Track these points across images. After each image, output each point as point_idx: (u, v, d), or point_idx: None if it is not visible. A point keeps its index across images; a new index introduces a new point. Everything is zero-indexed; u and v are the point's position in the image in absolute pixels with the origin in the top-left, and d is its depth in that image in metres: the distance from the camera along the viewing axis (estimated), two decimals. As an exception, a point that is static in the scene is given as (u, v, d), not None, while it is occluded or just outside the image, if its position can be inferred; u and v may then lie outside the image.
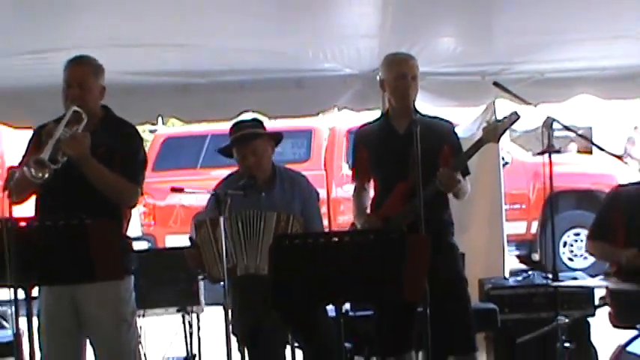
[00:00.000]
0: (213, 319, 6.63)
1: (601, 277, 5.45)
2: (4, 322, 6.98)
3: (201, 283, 6.32)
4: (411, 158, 5.25)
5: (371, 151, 5.84)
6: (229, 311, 5.04)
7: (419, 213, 5.15)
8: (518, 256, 13.17)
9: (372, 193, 5.95)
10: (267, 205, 5.41)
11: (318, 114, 7.43)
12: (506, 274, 7.37)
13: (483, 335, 7.01)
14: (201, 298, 6.40)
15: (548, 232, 12.27)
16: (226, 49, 6.70)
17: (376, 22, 6.23)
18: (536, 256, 12.72)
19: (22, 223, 4.45)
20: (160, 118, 7.51)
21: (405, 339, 5.83)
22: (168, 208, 12.61)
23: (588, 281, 5.55)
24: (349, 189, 6.15)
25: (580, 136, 7.85)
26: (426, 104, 6.75)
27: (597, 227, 6.19)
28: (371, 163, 5.85)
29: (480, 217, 7.35)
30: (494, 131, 5.53)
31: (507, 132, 7.16)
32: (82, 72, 5.21)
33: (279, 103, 7.21)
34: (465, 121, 7.74)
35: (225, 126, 6.14)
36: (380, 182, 5.87)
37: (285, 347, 5.71)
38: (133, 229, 12.64)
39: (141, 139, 5.47)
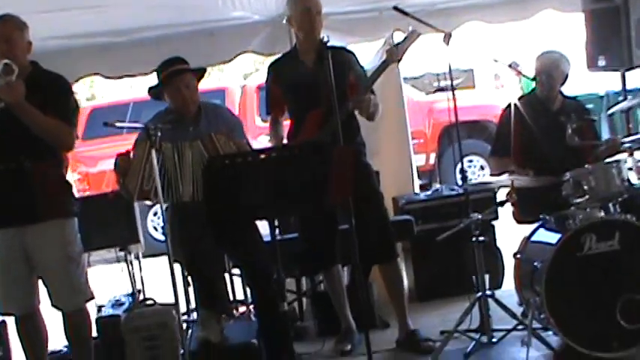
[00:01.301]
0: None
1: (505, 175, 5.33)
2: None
3: (140, 225, 6.08)
4: (321, 87, 5.12)
5: (282, 86, 5.68)
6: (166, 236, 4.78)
7: (335, 132, 5.00)
8: (421, 186, 13.05)
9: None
10: (194, 138, 5.14)
11: (229, 61, 7.15)
12: (417, 191, 7.22)
13: (401, 246, 6.93)
14: (140, 237, 6.14)
15: (445, 161, 12.59)
16: (140, 7, 6.45)
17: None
18: (436, 185, 12.71)
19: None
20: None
21: (330, 253, 5.71)
22: (99, 174, 12.15)
23: (491, 179, 5.43)
24: (264, 140, 5.96)
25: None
26: (330, 42, 6.54)
27: (496, 144, 6.17)
28: (283, 96, 5.69)
29: (389, 140, 7.21)
30: (396, 51, 5.37)
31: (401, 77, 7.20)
32: (7, 28, 4.94)
33: (194, 54, 6.78)
34: (368, 56, 7.57)
35: (143, 94, 5.84)
36: (293, 114, 5.73)
37: (224, 272, 5.52)
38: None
39: (70, 87, 5.18)
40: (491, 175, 5.85)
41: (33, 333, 5.26)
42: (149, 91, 5.38)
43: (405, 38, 5.40)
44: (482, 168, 12.65)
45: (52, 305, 5.16)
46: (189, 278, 5.31)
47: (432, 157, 12.90)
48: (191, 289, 5.60)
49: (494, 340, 5.36)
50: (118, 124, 5.06)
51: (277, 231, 6.02)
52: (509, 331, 5.35)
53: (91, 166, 12.34)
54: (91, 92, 18.13)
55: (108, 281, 6.82)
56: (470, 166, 12.83)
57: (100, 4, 6.27)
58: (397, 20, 6.07)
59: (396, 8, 5.51)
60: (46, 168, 4.33)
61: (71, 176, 11.64)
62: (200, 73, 5.41)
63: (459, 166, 12.38)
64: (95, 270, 6.05)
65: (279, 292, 4.38)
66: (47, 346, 5.42)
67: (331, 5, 6.62)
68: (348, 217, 5.03)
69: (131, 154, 5.04)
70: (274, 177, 4.20)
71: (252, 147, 5.32)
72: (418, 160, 12.35)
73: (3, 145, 4.81)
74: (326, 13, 6.17)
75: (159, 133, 4.66)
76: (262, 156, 4.28)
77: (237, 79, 12.94)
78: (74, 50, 6.76)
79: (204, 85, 12.59)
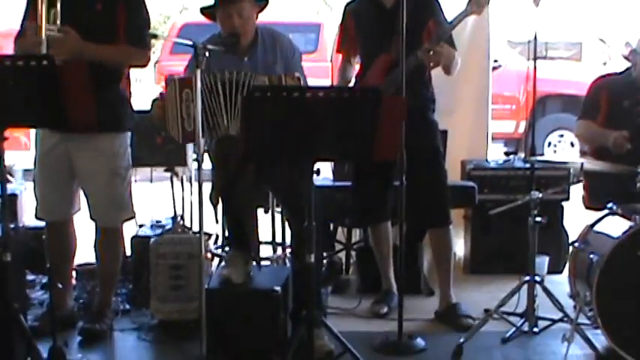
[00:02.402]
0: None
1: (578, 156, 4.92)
2: (9, 176, 6.46)
3: (189, 147, 5.76)
4: (396, 31, 4.71)
5: (357, 24, 5.31)
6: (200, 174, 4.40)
7: (400, 83, 4.61)
8: (506, 153, 12.63)
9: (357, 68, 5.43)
10: (249, 69, 4.76)
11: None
12: (489, 158, 6.78)
13: (462, 214, 6.57)
14: (189, 161, 5.85)
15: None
16: None
17: None
18: (521, 154, 12.26)
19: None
20: None
21: (380, 208, 5.36)
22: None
23: (563, 158, 4.99)
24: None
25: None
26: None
27: (586, 107, 5.73)
28: (356, 36, 5.33)
29: (468, 100, 6.75)
30: (478, 1, 4.92)
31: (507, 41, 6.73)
32: None
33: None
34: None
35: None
36: (364, 56, 5.35)
37: (257, 207, 5.18)
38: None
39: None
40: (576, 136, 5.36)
41: (60, 242, 5.08)
42: (201, 11, 5.03)
43: None
44: (572, 145, 12.13)
45: (90, 218, 4.95)
46: (222, 215, 4.98)
47: (522, 125, 12.44)
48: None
49: (536, 329, 4.93)
50: (161, 36, 4.71)
51: (315, 176, 5.94)
52: (553, 322, 4.93)
53: (177, 81, 12.07)
54: (182, 3, 17.84)
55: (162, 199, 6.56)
56: (560, 141, 12.39)
57: None
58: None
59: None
60: (80, 69, 4.00)
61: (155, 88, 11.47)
62: (261, 4, 4.95)
63: (546, 140, 12.35)
64: (139, 187, 5.78)
65: (307, 242, 4.02)
66: (73, 258, 5.24)
67: None
68: (399, 174, 4.70)
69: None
70: (317, 119, 3.84)
71: (307, 81, 4.93)
72: (507, 127, 12.17)
73: None
74: None
75: (206, 54, 4.27)
76: (308, 94, 3.90)
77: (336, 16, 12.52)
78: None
79: (299, 17, 12.45)
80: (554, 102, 12.29)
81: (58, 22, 4.46)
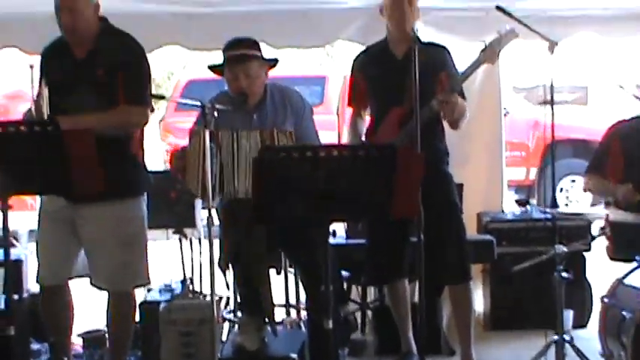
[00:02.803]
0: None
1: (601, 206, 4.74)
2: (14, 241, 6.28)
3: (198, 207, 5.60)
4: (408, 84, 4.58)
5: (367, 76, 5.17)
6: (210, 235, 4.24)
7: (415, 136, 4.45)
8: (517, 201, 12.46)
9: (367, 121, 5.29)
10: (258, 127, 4.62)
11: (320, 46, 6.64)
12: (505, 209, 6.60)
13: (480, 268, 6.36)
14: (198, 222, 5.67)
15: (545, 178, 11.79)
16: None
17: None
18: (533, 201, 12.09)
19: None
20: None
21: (397, 266, 5.19)
22: (187, 148, 11.95)
23: (587, 210, 4.82)
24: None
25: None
26: (429, 39, 5.99)
27: (595, 161, 5.62)
28: (367, 89, 5.18)
29: (481, 151, 6.60)
30: (491, 50, 4.80)
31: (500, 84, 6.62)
32: None
33: (284, 34, 6.40)
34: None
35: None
36: (375, 108, 5.21)
37: (269, 268, 5.00)
38: (158, 164, 12.15)
39: (142, 51, 4.72)
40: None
41: (56, 310, 4.86)
42: (209, 68, 4.90)
43: (500, 37, 4.82)
44: (585, 190, 11.92)
45: (92, 284, 4.75)
46: (233, 280, 4.81)
47: (533, 172, 12.27)
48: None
49: (566, 392, 4.73)
50: (169, 98, 4.57)
51: (344, 233, 5.78)
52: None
53: (180, 138, 11.94)
54: (185, 61, 17.77)
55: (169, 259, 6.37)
56: (572, 187, 12.21)
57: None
58: (503, 23, 5.43)
59: (498, 8, 4.89)
60: (85, 135, 3.86)
61: (162, 147, 11.36)
62: (270, 63, 4.85)
63: (558, 186, 12.17)
64: (161, 246, 5.64)
65: (324, 307, 3.83)
66: (71, 324, 5.01)
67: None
68: (417, 229, 4.52)
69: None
70: (332, 177, 3.67)
71: (319, 139, 4.78)
72: (517, 174, 12.01)
73: (74, 100, 4.45)
74: (426, 7, 5.79)
75: (215, 114, 4.12)
76: (322, 153, 3.73)
77: (340, 67, 12.46)
78: (154, 17, 6.27)
79: (303, 71, 12.33)
80: (565, 147, 12.11)
81: None
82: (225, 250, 4.58)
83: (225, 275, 4.65)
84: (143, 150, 4.80)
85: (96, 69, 4.53)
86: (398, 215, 3.91)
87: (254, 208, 3.76)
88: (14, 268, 5.39)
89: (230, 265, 4.60)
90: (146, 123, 4.73)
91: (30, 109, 4.50)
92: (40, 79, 4.57)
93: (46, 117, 4.32)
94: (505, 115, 10.80)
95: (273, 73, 4.95)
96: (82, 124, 4.28)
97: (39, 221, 4.77)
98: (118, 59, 4.56)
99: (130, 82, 4.57)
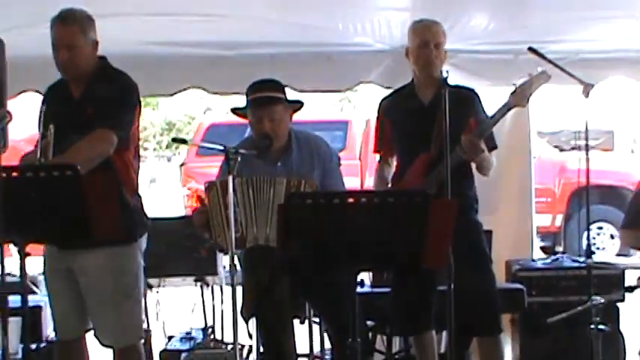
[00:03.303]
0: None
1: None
2: (33, 287, 6.14)
3: (220, 254, 5.46)
4: (435, 129, 4.48)
5: (394, 122, 5.03)
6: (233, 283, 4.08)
7: (444, 181, 4.29)
8: (542, 248, 12.29)
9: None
10: (283, 176, 4.50)
11: (346, 90, 6.53)
12: (535, 257, 6.43)
13: (509, 317, 6.16)
14: (220, 269, 5.54)
15: (572, 225, 11.65)
16: (254, 21, 5.85)
17: (408, -6, 5.50)
18: (559, 248, 11.89)
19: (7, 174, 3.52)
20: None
21: (423, 316, 4.99)
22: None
23: (622, 260, 4.64)
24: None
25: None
26: (457, 82, 5.88)
27: (631, 216, 5.33)
28: (394, 135, 5.04)
29: (510, 197, 6.49)
30: (521, 93, 4.65)
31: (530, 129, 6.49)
32: (68, 32, 4.28)
33: (308, 77, 6.33)
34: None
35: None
36: (402, 155, 5.06)
37: (293, 318, 4.84)
38: (179, 209, 12.02)
39: (133, 88, 4.44)
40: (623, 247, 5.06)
41: None
42: (232, 111, 4.78)
43: (532, 79, 4.67)
44: (612, 237, 11.76)
45: (101, 344, 4.51)
46: (255, 329, 4.64)
47: (559, 218, 12.08)
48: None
49: None
50: (190, 142, 4.45)
51: (370, 282, 5.61)
52: None
53: (201, 183, 11.86)
54: (206, 104, 17.76)
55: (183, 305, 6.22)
56: (599, 234, 12.05)
57: (211, 13, 5.71)
58: (533, 66, 5.30)
59: (531, 49, 4.77)
60: (104, 179, 3.72)
61: (181, 191, 11.20)
62: (295, 106, 4.74)
63: (585, 234, 11.98)
64: (169, 292, 5.49)
65: (351, 359, 3.68)
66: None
67: (461, 42, 6.04)
68: (448, 279, 4.34)
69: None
70: (360, 226, 3.54)
71: (344, 186, 4.65)
72: (543, 221, 11.79)
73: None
74: (454, 50, 5.76)
75: (238, 158, 3.99)
76: (350, 200, 3.59)
77: (363, 111, 12.39)
78: (177, 60, 6.23)
79: (325, 115, 12.19)
80: (592, 193, 11.90)
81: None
82: (247, 298, 4.43)
83: (247, 324, 4.49)
84: (138, 193, 4.53)
85: (87, 108, 4.31)
86: (429, 265, 3.78)
87: (278, 256, 3.63)
88: (32, 315, 5.27)
89: (253, 314, 4.44)
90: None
91: (29, 154, 4.29)
92: (43, 121, 4.26)
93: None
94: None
95: (294, 117, 4.85)
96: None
97: (44, 272, 4.58)
98: (106, 95, 4.31)
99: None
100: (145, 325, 4.70)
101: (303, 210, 3.54)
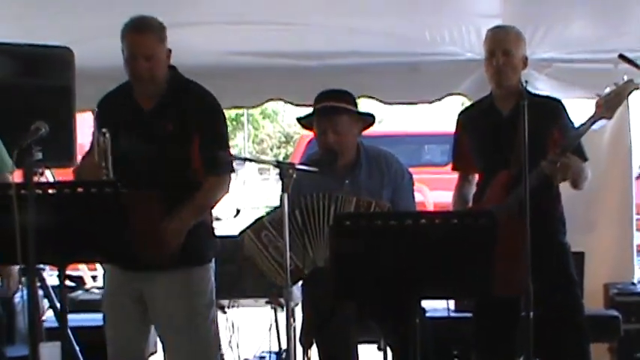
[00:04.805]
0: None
1: None
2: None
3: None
4: (516, 143, 4.09)
5: (472, 137, 4.68)
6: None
7: (523, 201, 3.92)
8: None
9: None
10: (351, 194, 4.23)
11: (434, 102, 6.19)
12: (635, 280, 6.01)
13: (606, 347, 5.74)
14: (293, 289, 5.25)
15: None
16: (337, 30, 5.65)
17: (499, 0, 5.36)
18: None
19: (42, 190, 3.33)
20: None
21: (507, 344, 4.59)
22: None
23: None
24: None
25: None
26: (551, 93, 5.49)
27: None
28: (472, 150, 4.68)
29: (608, 216, 6.06)
30: (606, 105, 4.25)
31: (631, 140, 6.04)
32: (148, 41, 4.01)
33: (394, 88, 6.10)
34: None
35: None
36: (482, 171, 4.69)
37: (369, 343, 4.54)
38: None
39: (219, 108, 4.21)
40: None
41: None
42: (298, 121, 4.53)
43: (617, 89, 4.27)
44: None
45: None
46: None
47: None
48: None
49: None
50: (242, 156, 4.20)
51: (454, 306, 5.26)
52: None
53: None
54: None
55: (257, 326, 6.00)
56: None
57: (292, 22, 5.52)
58: (632, 75, 4.87)
59: (622, 57, 4.36)
60: (149, 199, 3.52)
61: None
62: (366, 121, 4.48)
63: None
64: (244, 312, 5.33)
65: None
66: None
67: (556, 50, 5.75)
68: (527, 308, 3.96)
69: None
70: (421, 250, 3.25)
71: (416, 208, 4.34)
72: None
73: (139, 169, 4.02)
74: (549, 60, 5.76)
75: (294, 175, 3.69)
76: (409, 221, 3.28)
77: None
78: (257, 70, 6.04)
79: (420, 128, 11.71)
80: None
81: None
82: (307, 325, 4.15)
83: (305, 352, 4.20)
84: (212, 214, 4.34)
85: (166, 123, 4.08)
86: (500, 293, 3.43)
87: (331, 280, 3.35)
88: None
89: (313, 341, 4.17)
90: (227, 192, 4.22)
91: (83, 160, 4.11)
92: (97, 132, 4.01)
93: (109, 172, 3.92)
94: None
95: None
96: (186, 221, 3.97)
97: (103, 300, 4.38)
98: (192, 116, 4.09)
99: (204, 145, 4.07)
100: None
101: (356, 231, 3.26)
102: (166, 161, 4.03)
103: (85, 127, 5.41)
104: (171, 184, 3.98)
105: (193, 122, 4.06)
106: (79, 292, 6.36)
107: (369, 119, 4.51)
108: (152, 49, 4.02)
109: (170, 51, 4.12)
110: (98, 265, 7.11)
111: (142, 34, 4.03)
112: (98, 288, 6.36)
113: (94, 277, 8.01)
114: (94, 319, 4.89)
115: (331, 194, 4.15)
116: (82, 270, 7.61)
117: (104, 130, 3.91)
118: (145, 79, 4.05)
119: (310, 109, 4.60)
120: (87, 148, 4.11)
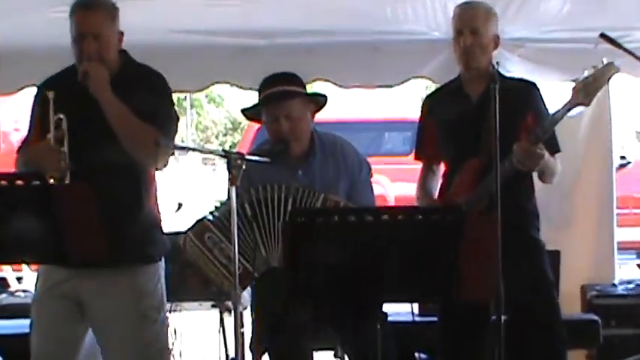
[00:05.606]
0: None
1: None
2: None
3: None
4: (485, 131, 4.16)
5: (438, 123, 4.73)
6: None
7: (494, 193, 3.97)
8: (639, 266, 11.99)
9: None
10: (304, 186, 4.26)
11: (395, 85, 6.24)
12: (616, 281, 6.11)
13: (585, 353, 5.84)
14: (243, 293, 5.30)
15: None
16: (289, 6, 5.62)
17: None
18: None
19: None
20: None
21: (475, 351, 4.63)
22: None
23: None
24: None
25: None
26: (525, 76, 5.56)
27: None
28: (438, 138, 4.73)
29: (587, 211, 6.14)
30: (584, 89, 4.29)
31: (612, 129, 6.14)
32: (98, 19, 4.09)
33: (353, 71, 6.12)
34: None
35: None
36: (449, 160, 4.74)
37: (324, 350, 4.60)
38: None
39: (168, 87, 4.28)
40: None
41: None
42: (243, 113, 4.55)
43: (596, 73, 4.31)
44: None
45: None
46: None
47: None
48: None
49: None
50: (188, 147, 4.23)
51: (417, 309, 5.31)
52: None
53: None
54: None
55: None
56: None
57: (243, -1, 5.53)
58: (613, 57, 4.94)
59: (603, 36, 4.42)
60: (81, 192, 3.51)
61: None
62: (318, 102, 4.52)
63: None
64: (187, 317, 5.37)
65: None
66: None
67: (530, 28, 5.81)
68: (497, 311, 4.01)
69: None
70: (381, 248, 3.28)
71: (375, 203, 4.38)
72: (637, 235, 11.28)
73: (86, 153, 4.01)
74: (521, 39, 5.82)
75: (243, 166, 3.72)
76: (369, 218, 3.31)
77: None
78: (201, 50, 6.03)
79: (380, 114, 11.84)
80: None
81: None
82: (257, 330, 4.19)
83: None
84: (158, 208, 4.36)
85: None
86: (467, 298, 3.48)
87: (285, 279, 3.38)
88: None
89: (265, 349, 4.22)
90: (166, 162, 4.20)
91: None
92: (40, 116, 4.10)
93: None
94: (624, 166, 10.33)
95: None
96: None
97: (33, 300, 4.34)
98: (143, 100, 4.10)
99: (156, 115, 4.10)
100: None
101: (311, 229, 3.28)
102: (116, 148, 4.03)
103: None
104: (120, 171, 4.03)
105: (144, 106, 4.07)
106: (3, 295, 6.35)
107: (321, 100, 4.56)
108: (101, 27, 4.09)
109: (122, 34, 4.19)
110: (24, 266, 7.12)
111: (91, 10, 4.10)
112: (24, 291, 6.39)
113: (19, 279, 8.01)
114: (20, 325, 4.88)
115: (289, 186, 4.17)
116: (5, 271, 7.59)
117: (61, 115, 3.95)
118: (91, 61, 4.07)
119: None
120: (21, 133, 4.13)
